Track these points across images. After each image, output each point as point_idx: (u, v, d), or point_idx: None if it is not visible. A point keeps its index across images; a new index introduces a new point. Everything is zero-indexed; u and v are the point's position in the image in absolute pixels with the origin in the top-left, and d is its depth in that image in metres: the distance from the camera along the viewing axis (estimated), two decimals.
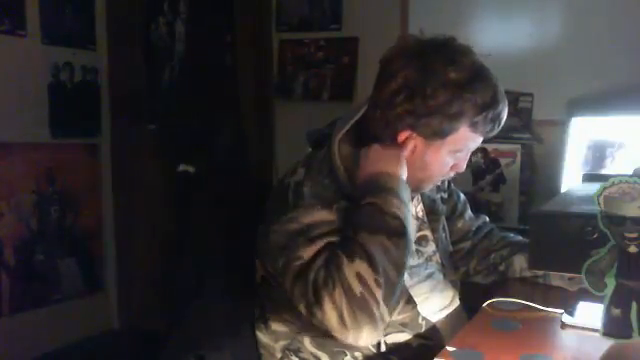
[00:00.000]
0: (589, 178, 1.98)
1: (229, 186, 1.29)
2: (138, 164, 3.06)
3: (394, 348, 1.24)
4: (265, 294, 1.28)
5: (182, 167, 1.36)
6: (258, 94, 3.08)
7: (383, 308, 1.04)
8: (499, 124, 1.23)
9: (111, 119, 3.09)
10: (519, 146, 2.52)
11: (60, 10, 2.83)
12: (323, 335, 1.22)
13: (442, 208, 1.46)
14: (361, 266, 1.04)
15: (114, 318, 3.16)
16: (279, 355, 1.27)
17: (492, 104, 1.19)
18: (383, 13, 2.79)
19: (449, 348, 1.02)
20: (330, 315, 1.03)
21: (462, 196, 1.58)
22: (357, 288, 1.02)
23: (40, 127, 2.78)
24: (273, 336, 1.27)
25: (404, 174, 1.18)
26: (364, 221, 1.10)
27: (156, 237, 2.99)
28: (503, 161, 2.54)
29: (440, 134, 1.19)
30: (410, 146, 1.20)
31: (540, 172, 2.53)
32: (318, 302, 1.04)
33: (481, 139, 1.25)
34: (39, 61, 2.76)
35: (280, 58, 3.06)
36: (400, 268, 1.08)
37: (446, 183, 1.52)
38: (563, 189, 2.20)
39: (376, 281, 1.03)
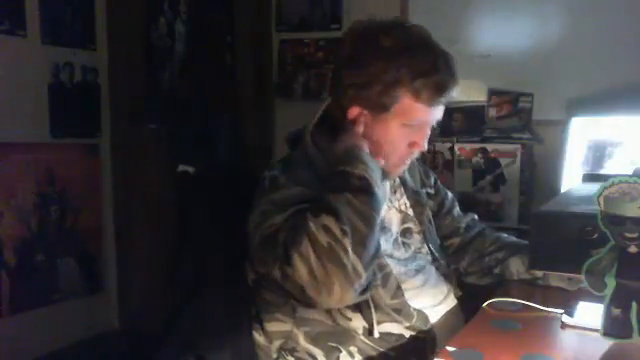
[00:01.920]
0: (589, 178, 1.98)
1: (229, 186, 1.29)
2: (138, 164, 3.06)
3: (387, 339, 1.23)
4: (258, 296, 1.29)
5: (182, 167, 1.36)
6: (258, 94, 3.08)
7: (353, 257, 1.02)
8: (443, 93, 1.21)
9: (111, 119, 3.09)
10: (519, 146, 2.52)
11: (60, 10, 2.82)
12: (317, 329, 1.22)
13: (427, 202, 1.46)
14: (326, 219, 1.03)
15: (114, 318, 3.16)
16: (275, 355, 1.27)
17: (431, 71, 1.19)
18: (383, 13, 2.79)
19: (449, 348, 1.02)
20: (300, 270, 1.02)
21: (449, 194, 1.59)
22: (323, 238, 1.02)
23: (40, 127, 2.78)
24: (268, 337, 1.27)
25: (365, 146, 1.19)
26: (331, 185, 1.11)
27: (156, 237, 2.98)
28: (503, 161, 2.54)
29: (383, 105, 1.21)
30: (360, 122, 1.22)
31: (540, 172, 2.53)
32: (288, 259, 1.03)
33: (433, 112, 1.24)
34: (39, 61, 2.76)
35: (280, 58, 3.06)
36: (368, 220, 1.07)
37: (432, 179, 1.54)
38: (563, 189, 2.20)
39: (342, 230, 1.02)
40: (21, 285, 2.72)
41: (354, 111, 1.23)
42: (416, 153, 1.30)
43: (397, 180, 1.40)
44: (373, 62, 1.19)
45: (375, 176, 1.13)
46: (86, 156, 3.02)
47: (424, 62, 1.19)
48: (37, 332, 2.75)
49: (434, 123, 1.28)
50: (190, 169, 1.38)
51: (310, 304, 1.09)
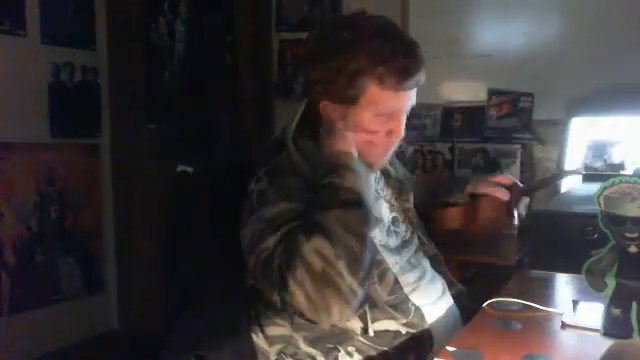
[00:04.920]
0: (589, 178, 1.99)
1: (229, 186, 1.29)
2: (138, 164, 3.06)
3: (384, 337, 1.23)
4: (257, 300, 1.29)
5: (181, 167, 1.36)
6: (258, 94, 3.08)
7: (350, 279, 1.02)
8: (407, 77, 1.20)
9: (111, 119, 3.09)
10: (519, 146, 2.52)
11: (60, 10, 2.83)
12: (315, 333, 1.22)
13: (410, 189, 1.47)
14: (319, 242, 1.02)
15: (114, 318, 3.17)
16: (274, 358, 1.27)
17: (392, 56, 1.18)
18: (383, 13, 2.79)
19: (449, 348, 1.02)
20: (298, 296, 1.02)
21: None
22: (317, 264, 1.01)
23: (40, 127, 2.78)
24: (268, 340, 1.27)
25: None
26: (320, 201, 1.10)
27: (156, 237, 2.99)
28: (503, 161, 2.54)
29: (350, 98, 1.21)
30: (337, 118, 1.22)
31: (540, 172, 2.53)
32: (285, 286, 1.03)
33: (402, 98, 1.23)
34: (39, 61, 2.76)
35: (280, 58, 3.06)
36: (361, 236, 1.06)
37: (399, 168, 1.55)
38: (563, 189, 2.20)
39: (335, 254, 1.02)
40: (21, 285, 2.72)
41: (324, 106, 1.24)
42: (396, 142, 1.30)
43: (378, 172, 1.41)
44: (334, 56, 1.20)
45: (364, 184, 1.13)
46: (86, 156, 3.02)
47: (384, 49, 1.19)
48: (37, 332, 2.76)
49: (408, 109, 1.27)
50: (190, 169, 1.38)
51: (311, 322, 1.10)
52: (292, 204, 1.13)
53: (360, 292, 1.04)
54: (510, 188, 1.52)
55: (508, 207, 1.51)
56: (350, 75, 1.19)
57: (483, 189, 1.52)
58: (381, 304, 1.23)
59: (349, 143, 1.20)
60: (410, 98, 1.25)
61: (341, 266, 1.02)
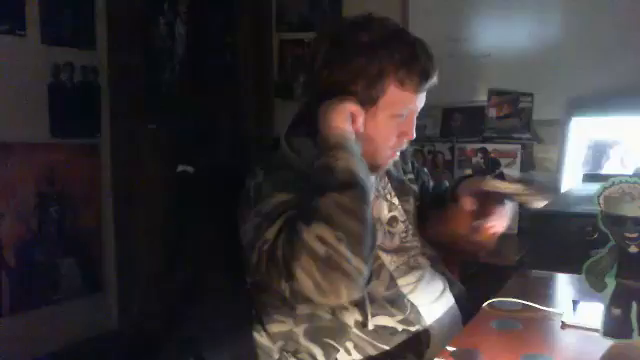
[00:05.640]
0: (589, 178, 1.99)
1: (229, 186, 1.30)
2: (138, 164, 3.06)
3: (381, 332, 1.24)
4: (257, 297, 1.29)
5: (181, 167, 1.37)
6: (258, 94, 3.08)
7: (355, 259, 1.03)
8: (427, 78, 1.23)
9: (111, 119, 3.09)
10: (519, 146, 2.52)
11: (60, 10, 2.83)
12: (315, 324, 1.23)
13: (411, 189, 1.46)
14: (319, 227, 1.02)
15: (114, 318, 3.16)
16: (276, 356, 1.27)
17: (412, 59, 1.20)
18: (383, 13, 2.79)
19: (449, 348, 1.02)
20: (306, 283, 1.02)
21: (425, 170, 1.60)
22: (321, 249, 1.01)
23: (40, 127, 2.78)
24: (270, 338, 1.28)
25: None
26: (315, 184, 1.10)
27: (156, 237, 2.99)
28: (503, 161, 2.54)
29: (370, 99, 1.21)
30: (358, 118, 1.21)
31: (540, 172, 2.53)
32: (292, 275, 1.03)
33: (417, 98, 1.25)
34: (39, 61, 2.76)
35: (280, 58, 3.07)
36: (359, 216, 1.06)
37: (410, 164, 1.53)
38: (563, 189, 2.20)
39: (337, 237, 1.02)
40: (21, 285, 2.72)
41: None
42: (406, 143, 1.31)
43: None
44: (355, 58, 1.20)
45: (359, 164, 1.12)
46: (86, 156, 3.02)
47: (404, 51, 1.20)
48: (37, 332, 2.75)
49: (418, 111, 1.29)
50: (190, 169, 1.38)
51: (320, 304, 1.12)
52: (288, 195, 1.13)
53: (365, 269, 1.05)
54: (485, 197, 1.29)
55: (467, 221, 1.28)
56: (371, 77, 1.20)
57: (460, 193, 1.37)
58: (379, 298, 1.24)
59: (347, 121, 1.18)
60: (423, 99, 1.27)
61: (344, 249, 1.02)
